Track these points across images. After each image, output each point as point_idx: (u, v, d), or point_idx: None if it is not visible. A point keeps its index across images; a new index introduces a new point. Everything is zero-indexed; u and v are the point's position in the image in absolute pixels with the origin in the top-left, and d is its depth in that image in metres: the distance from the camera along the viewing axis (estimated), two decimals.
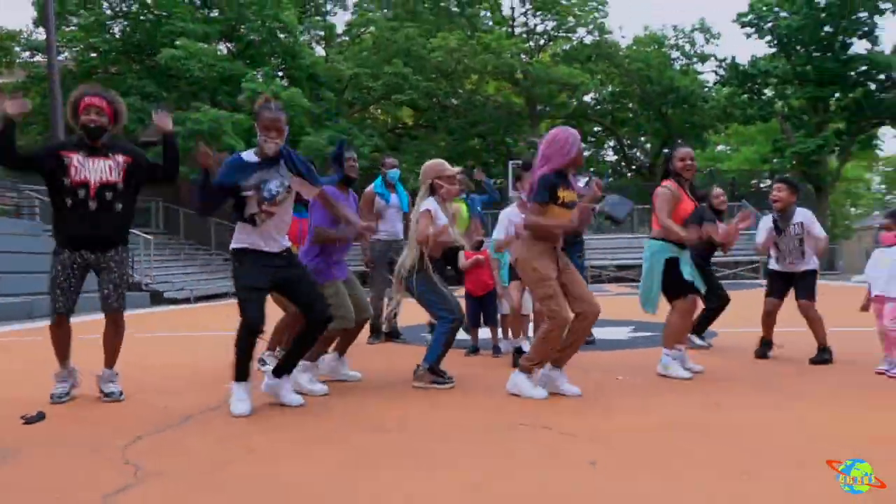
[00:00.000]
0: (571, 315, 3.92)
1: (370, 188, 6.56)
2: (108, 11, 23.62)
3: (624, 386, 4.33)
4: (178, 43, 20.73)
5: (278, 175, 3.74)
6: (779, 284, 5.30)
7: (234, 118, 20.60)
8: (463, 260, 6.06)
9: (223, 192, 3.74)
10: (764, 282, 5.76)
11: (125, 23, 23.13)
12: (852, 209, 51.81)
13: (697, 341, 5.86)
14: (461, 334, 5.95)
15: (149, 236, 17.15)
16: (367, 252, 6.64)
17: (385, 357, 5.88)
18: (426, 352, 4.45)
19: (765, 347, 5.32)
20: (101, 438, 3.22)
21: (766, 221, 5.30)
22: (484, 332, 6.07)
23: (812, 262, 5.20)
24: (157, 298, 15.76)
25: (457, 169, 4.74)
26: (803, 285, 5.15)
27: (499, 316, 6.02)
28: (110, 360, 4.21)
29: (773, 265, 5.37)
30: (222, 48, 23.83)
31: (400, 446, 3.04)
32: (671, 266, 4.49)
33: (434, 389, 4.28)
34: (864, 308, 4.78)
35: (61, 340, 4.09)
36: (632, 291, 15.62)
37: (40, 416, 3.66)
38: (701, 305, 5.42)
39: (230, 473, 2.69)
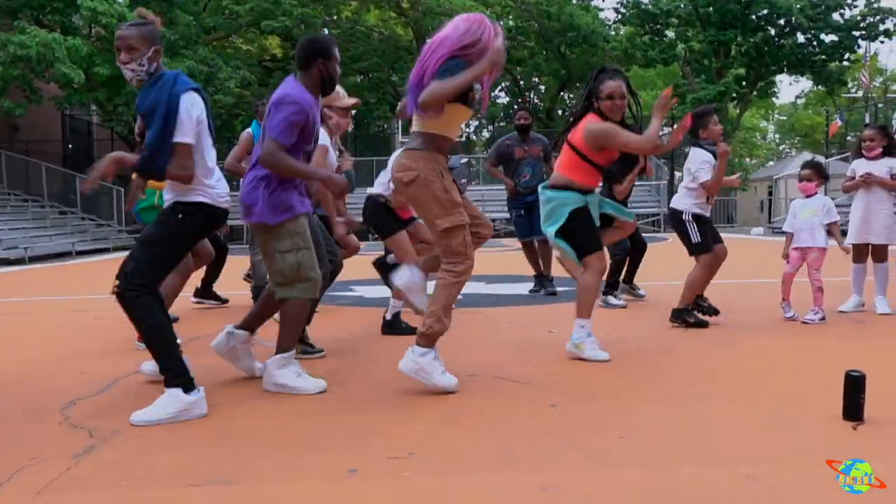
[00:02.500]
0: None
1: (248, 130, 6.01)
2: None
3: (557, 337, 4.90)
4: None
5: None
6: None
7: (69, 43, 19.35)
8: None
9: None
10: (666, 234, 6.16)
11: None
12: (747, 160, 56.27)
13: (613, 301, 6.38)
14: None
15: None
16: None
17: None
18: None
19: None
20: (30, 407, 3.34)
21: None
22: None
23: None
24: None
25: (352, 100, 4.35)
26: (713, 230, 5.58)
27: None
28: None
29: (697, 210, 5.28)
30: None
31: (367, 393, 3.45)
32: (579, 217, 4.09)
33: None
34: (786, 256, 5.51)
35: None
36: None
37: None
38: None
39: (185, 426, 2.99)
